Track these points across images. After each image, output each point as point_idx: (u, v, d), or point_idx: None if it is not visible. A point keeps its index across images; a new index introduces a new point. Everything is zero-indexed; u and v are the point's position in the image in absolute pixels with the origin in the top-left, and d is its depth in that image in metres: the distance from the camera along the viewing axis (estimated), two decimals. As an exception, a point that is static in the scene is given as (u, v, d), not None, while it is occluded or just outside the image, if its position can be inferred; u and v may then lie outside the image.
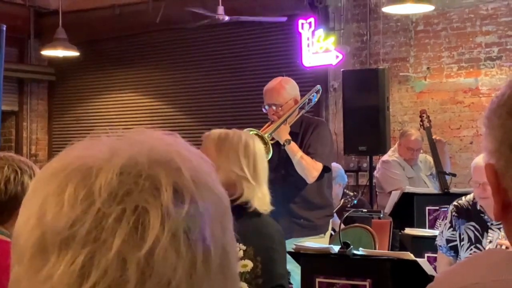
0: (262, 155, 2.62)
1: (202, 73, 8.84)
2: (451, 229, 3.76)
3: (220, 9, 7.43)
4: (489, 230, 3.66)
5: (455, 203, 3.81)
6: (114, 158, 0.72)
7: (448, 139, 7.08)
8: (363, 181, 7.36)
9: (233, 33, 8.42)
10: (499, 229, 3.63)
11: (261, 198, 2.53)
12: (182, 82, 9.01)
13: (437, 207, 5.31)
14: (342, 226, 4.37)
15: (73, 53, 8.25)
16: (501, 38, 6.97)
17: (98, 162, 0.72)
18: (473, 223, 3.70)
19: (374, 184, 6.50)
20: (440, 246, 3.80)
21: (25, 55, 9.97)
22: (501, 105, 0.95)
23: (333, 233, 4.36)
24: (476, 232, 3.69)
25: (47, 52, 8.49)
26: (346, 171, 7.14)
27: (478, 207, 3.72)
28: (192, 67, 8.93)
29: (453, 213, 3.76)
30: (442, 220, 4.49)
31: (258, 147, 2.62)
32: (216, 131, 2.66)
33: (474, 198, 3.77)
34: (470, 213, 3.73)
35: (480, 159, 3.75)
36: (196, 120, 8.90)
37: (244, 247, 2.41)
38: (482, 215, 3.70)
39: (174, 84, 9.08)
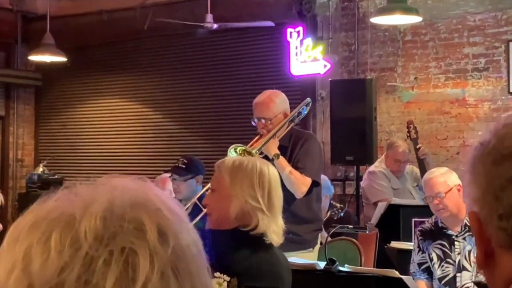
0: (277, 183, 2.57)
1: (190, 80, 8.83)
2: (420, 252, 3.87)
3: (209, 17, 7.43)
4: (455, 243, 3.76)
5: (419, 228, 3.95)
6: (94, 204, 0.73)
7: (435, 150, 7.11)
8: (350, 190, 7.38)
9: (221, 40, 8.42)
10: (464, 239, 3.71)
11: (276, 231, 2.50)
12: (170, 89, 9.00)
13: (423, 219, 5.33)
14: (328, 239, 4.38)
15: (61, 59, 8.22)
16: (488, 50, 7.01)
17: (79, 210, 0.72)
18: (439, 241, 3.80)
19: (360, 194, 6.52)
20: (414, 272, 3.90)
21: (12, 60, 9.92)
22: (486, 153, 0.96)
23: (320, 245, 4.37)
24: (443, 248, 3.78)
25: (34, 58, 8.45)
26: (333, 180, 7.16)
27: (440, 225, 3.82)
28: (180, 74, 8.92)
29: (419, 238, 3.89)
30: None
31: (273, 174, 2.57)
32: (230, 159, 2.63)
33: (435, 218, 3.85)
34: (434, 233, 3.83)
35: (429, 174, 3.83)
36: (184, 126, 8.89)
37: (228, 278, 2.39)
38: (445, 230, 3.80)
39: (161, 91, 9.06)
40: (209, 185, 3.64)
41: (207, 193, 3.53)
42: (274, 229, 2.49)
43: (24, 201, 8.73)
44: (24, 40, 9.81)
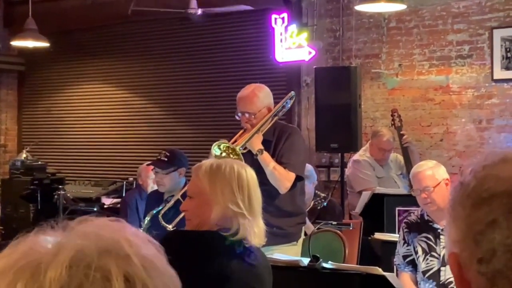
0: (255, 184, 2.56)
1: (175, 65, 8.79)
2: (405, 244, 3.88)
3: (193, 3, 7.38)
4: (441, 236, 3.78)
5: (405, 220, 3.96)
6: (61, 251, 0.73)
7: (419, 136, 7.14)
8: (335, 176, 7.40)
9: (206, 26, 8.36)
10: None
11: (257, 233, 2.50)
12: (154, 75, 8.95)
13: (407, 208, 5.38)
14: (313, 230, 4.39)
15: (43, 44, 8.13)
16: (472, 37, 7.02)
17: (46, 258, 0.72)
18: (424, 234, 3.82)
19: (345, 181, 6.54)
20: (399, 264, 3.92)
21: (-6, 44, 9.84)
22: (466, 195, 0.96)
23: (304, 236, 4.38)
24: (429, 242, 3.80)
25: (17, 43, 8.36)
26: (318, 167, 7.19)
27: (426, 218, 3.84)
28: (164, 59, 8.87)
29: (404, 230, 3.90)
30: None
31: (251, 176, 2.56)
32: (207, 163, 2.57)
33: (421, 211, 3.87)
34: (420, 226, 3.84)
35: (417, 168, 3.85)
36: (168, 112, 8.86)
37: None
38: (431, 224, 3.82)
39: (146, 76, 9.02)
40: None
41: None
42: (255, 232, 2.49)
43: (8, 187, 8.68)
44: (6, 25, 9.70)
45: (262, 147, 3.82)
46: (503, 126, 6.82)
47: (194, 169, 2.59)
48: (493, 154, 0.99)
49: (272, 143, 3.96)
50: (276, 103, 4.11)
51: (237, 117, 4.02)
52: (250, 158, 3.79)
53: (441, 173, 3.79)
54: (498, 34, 6.80)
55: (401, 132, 6.28)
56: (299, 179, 3.95)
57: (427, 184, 3.73)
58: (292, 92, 4.22)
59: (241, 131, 3.95)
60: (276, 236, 3.94)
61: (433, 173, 3.77)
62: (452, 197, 0.99)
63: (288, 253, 3.78)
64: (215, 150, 3.67)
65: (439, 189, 3.73)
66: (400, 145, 6.28)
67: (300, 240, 4.08)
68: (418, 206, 4.08)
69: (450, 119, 7.11)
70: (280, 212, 3.95)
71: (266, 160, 3.81)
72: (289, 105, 4.16)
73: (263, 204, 3.85)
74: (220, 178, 2.49)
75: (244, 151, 3.76)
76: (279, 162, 3.87)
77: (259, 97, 3.97)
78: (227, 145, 3.67)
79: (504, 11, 6.85)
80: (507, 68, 6.76)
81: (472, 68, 7.01)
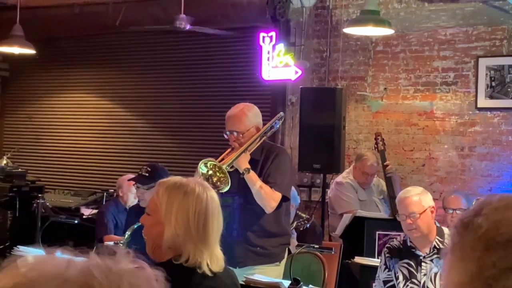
0: (214, 211, 2.42)
1: (160, 78, 8.77)
2: (387, 270, 3.88)
3: (182, 18, 7.38)
4: (422, 264, 3.79)
5: (387, 245, 3.96)
6: None
7: (401, 161, 7.18)
8: (316, 197, 7.41)
9: (194, 40, 8.37)
10: (431, 261, 3.75)
11: (214, 261, 2.37)
12: (139, 86, 8.92)
13: (387, 232, 5.40)
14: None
15: (29, 51, 8.09)
16: (458, 64, 7.09)
17: None
18: (406, 260, 3.82)
19: (326, 201, 6.55)
20: None
21: (-21, 49, 9.74)
22: (477, 238, 0.94)
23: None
24: (410, 268, 3.81)
25: (3, 49, 8.30)
26: (299, 186, 7.19)
27: (409, 244, 3.85)
28: (150, 72, 8.85)
29: (386, 255, 3.90)
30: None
31: (211, 202, 2.42)
32: (171, 180, 2.46)
33: (404, 236, 3.88)
34: (402, 252, 3.85)
35: (404, 193, 3.86)
36: (152, 125, 8.83)
37: None
38: (413, 250, 3.83)
39: (130, 88, 8.98)
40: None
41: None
42: (208, 262, 2.36)
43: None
44: (-8, 30, 9.63)
45: (249, 166, 3.81)
46: (485, 154, 6.88)
47: (157, 184, 2.48)
48: (501, 197, 0.98)
49: (260, 163, 3.96)
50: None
51: (225, 136, 4.02)
52: (237, 177, 3.79)
53: (428, 200, 3.81)
54: (483, 63, 6.88)
55: (386, 163, 6.29)
56: (284, 199, 3.95)
57: (413, 210, 3.74)
58: (282, 113, 4.23)
59: (228, 150, 3.95)
60: (259, 256, 3.94)
61: (419, 199, 3.78)
62: (456, 237, 0.98)
63: (270, 273, 3.77)
64: (201, 168, 3.66)
65: (424, 216, 3.74)
66: (383, 169, 6.30)
67: (283, 261, 4.08)
68: (398, 230, 4.09)
69: (433, 144, 7.16)
70: (265, 232, 3.95)
71: (253, 179, 3.81)
72: (278, 126, 4.18)
73: (248, 224, 3.83)
74: (179, 201, 2.38)
75: (231, 170, 3.76)
76: (266, 182, 3.87)
77: (248, 116, 3.97)
78: (214, 163, 3.67)
79: (490, 41, 6.93)
80: (491, 97, 6.83)
81: (457, 95, 7.07)
